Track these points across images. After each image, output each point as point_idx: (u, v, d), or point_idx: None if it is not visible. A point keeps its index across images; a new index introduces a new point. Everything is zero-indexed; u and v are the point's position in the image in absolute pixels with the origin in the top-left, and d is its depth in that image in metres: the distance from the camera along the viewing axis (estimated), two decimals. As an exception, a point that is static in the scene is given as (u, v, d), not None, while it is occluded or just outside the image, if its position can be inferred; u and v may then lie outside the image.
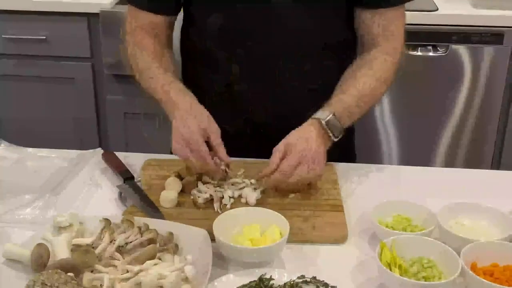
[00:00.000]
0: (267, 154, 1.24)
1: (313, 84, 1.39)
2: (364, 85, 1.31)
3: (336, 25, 1.38)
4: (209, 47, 1.38)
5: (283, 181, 1.21)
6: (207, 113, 1.26)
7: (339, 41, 1.39)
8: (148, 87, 1.34)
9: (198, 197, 1.20)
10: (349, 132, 1.48)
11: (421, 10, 2.31)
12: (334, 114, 1.27)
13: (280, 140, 1.24)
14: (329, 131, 1.25)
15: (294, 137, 1.24)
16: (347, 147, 1.51)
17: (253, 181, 1.25)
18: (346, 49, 1.41)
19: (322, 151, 1.23)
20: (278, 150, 1.22)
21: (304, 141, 1.22)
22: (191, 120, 1.23)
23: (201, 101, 1.29)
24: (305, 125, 1.26)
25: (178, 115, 1.25)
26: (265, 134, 1.32)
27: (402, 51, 1.39)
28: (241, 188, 1.23)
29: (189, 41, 1.43)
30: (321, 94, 1.32)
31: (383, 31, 1.37)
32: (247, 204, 1.20)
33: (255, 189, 1.23)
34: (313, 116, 1.28)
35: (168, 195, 1.19)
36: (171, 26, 1.42)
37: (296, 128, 1.26)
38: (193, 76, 1.44)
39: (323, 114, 1.27)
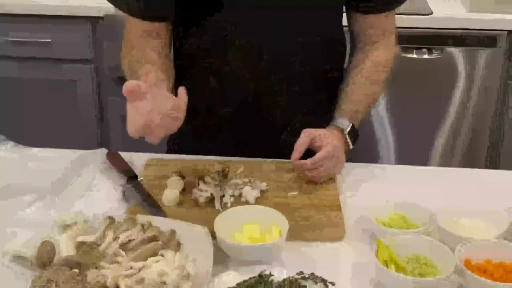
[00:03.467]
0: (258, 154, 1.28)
1: (305, 85, 1.39)
2: (367, 91, 1.38)
3: (332, 27, 1.39)
4: (203, 52, 1.37)
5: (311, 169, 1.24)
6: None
7: (334, 41, 1.41)
8: None
9: (200, 196, 1.20)
10: None
11: (416, 14, 2.32)
12: (354, 124, 1.32)
13: (270, 138, 1.25)
14: (349, 140, 1.31)
15: (324, 131, 1.28)
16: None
17: (252, 179, 1.26)
18: (339, 47, 1.43)
19: (342, 159, 1.29)
20: (308, 134, 1.26)
21: (336, 139, 1.27)
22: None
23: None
24: (330, 129, 1.30)
25: None
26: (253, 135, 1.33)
27: (396, 46, 1.43)
28: (241, 188, 1.24)
29: (184, 45, 1.41)
30: (315, 97, 1.34)
31: (379, 32, 1.39)
32: (247, 202, 1.20)
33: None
34: (334, 124, 1.32)
35: (170, 194, 1.20)
36: (168, 31, 1.39)
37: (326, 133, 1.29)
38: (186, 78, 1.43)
39: (344, 123, 1.32)
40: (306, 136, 1.26)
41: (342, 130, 1.32)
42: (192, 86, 1.35)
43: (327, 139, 1.26)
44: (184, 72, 1.40)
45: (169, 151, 1.48)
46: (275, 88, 1.37)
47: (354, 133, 1.33)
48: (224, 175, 1.25)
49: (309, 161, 1.23)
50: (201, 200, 1.19)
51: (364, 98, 1.38)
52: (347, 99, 1.37)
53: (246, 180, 1.25)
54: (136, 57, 1.32)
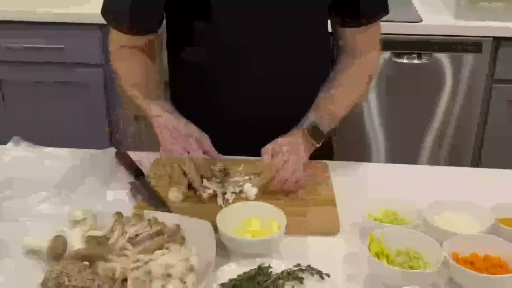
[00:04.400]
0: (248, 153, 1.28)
1: (293, 89, 1.37)
2: (348, 94, 1.37)
3: (316, 29, 1.38)
4: (194, 57, 1.37)
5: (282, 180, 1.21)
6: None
7: (318, 43, 1.40)
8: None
9: (203, 192, 1.19)
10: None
11: (406, 21, 2.32)
12: (315, 123, 1.29)
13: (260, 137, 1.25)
14: (312, 139, 1.28)
15: (283, 140, 1.25)
16: (326, 144, 1.51)
17: (252, 177, 1.25)
18: (324, 50, 1.42)
19: (305, 157, 1.26)
20: (266, 150, 1.23)
21: (292, 146, 1.24)
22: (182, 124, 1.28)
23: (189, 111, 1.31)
24: (292, 132, 1.28)
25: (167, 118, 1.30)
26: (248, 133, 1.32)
27: (381, 52, 1.43)
28: (241, 185, 1.23)
29: (175, 48, 1.42)
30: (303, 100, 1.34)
31: (363, 40, 1.38)
32: (247, 199, 1.19)
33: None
34: (298, 126, 1.30)
35: (175, 191, 1.19)
36: (156, 39, 1.40)
37: (285, 135, 1.27)
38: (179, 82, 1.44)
39: (306, 123, 1.30)
40: (265, 154, 1.24)
41: (303, 130, 1.29)
42: (183, 89, 1.36)
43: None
44: (176, 73, 1.40)
45: None
46: (262, 88, 1.35)
47: (316, 132, 1.30)
48: (225, 173, 1.24)
49: (269, 145, 1.23)
50: (205, 196, 1.19)
51: (344, 101, 1.37)
52: (327, 101, 1.35)
53: (247, 177, 1.25)
54: (125, 74, 1.38)
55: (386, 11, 1.39)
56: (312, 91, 1.37)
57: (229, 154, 1.34)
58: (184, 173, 1.24)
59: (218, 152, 1.32)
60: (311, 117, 1.32)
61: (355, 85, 1.39)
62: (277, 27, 1.31)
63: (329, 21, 1.41)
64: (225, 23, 1.30)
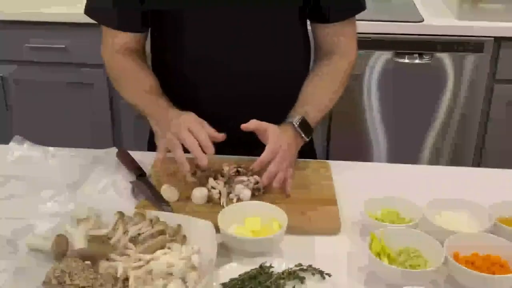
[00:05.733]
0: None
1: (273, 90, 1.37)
2: (324, 94, 1.37)
3: (292, 34, 1.38)
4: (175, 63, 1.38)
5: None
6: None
7: (295, 48, 1.40)
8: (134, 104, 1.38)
9: (210, 190, 1.19)
10: None
11: (408, 21, 2.31)
12: (304, 117, 1.29)
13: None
14: (301, 133, 1.28)
15: (281, 140, 1.23)
16: (307, 147, 1.51)
17: (256, 177, 1.24)
18: (298, 52, 1.42)
19: (295, 154, 1.27)
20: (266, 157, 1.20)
21: (284, 134, 1.24)
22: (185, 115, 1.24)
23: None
24: (282, 127, 1.27)
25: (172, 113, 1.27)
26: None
27: (355, 54, 1.41)
28: (246, 184, 1.22)
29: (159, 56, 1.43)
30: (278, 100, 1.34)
31: (338, 40, 1.39)
32: (241, 200, 1.18)
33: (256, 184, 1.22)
34: (286, 120, 1.30)
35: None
36: (143, 41, 1.41)
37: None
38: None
39: (295, 118, 1.29)
40: (253, 123, 1.22)
41: (292, 124, 1.28)
42: (164, 90, 1.37)
43: (273, 135, 1.22)
44: (158, 76, 1.40)
45: (150, 147, 1.45)
46: (237, 87, 1.34)
47: (305, 126, 1.29)
48: (238, 173, 1.24)
49: (256, 164, 1.19)
50: (215, 196, 1.18)
51: (321, 101, 1.37)
52: (304, 101, 1.35)
53: (251, 178, 1.24)
54: (122, 83, 1.39)
55: (358, 8, 1.39)
56: (287, 90, 1.37)
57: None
58: (194, 173, 1.24)
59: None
60: (298, 111, 1.32)
61: (333, 80, 1.39)
62: (249, 27, 1.31)
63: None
64: (197, 24, 1.32)
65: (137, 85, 1.36)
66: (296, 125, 1.28)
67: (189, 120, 1.22)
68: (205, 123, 1.22)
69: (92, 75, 2.45)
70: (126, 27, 1.35)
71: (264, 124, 1.23)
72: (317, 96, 1.37)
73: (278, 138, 1.21)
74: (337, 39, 1.39)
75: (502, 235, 1.02)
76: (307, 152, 1.41)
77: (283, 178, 1.20)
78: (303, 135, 1.29)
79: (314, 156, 1.53)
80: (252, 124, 1.22)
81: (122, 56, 1.38)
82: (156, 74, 1.40)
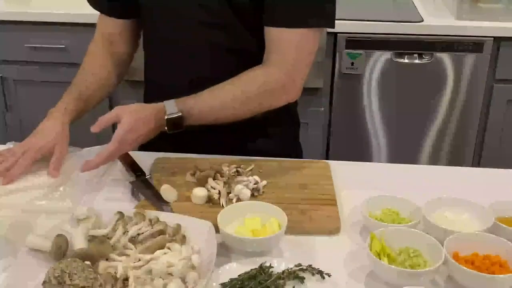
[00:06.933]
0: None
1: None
2: (227, 93, 1.28)
3: (240, 33, 1.32)
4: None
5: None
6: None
7: (242, 48, 1.34)
8: None
9: (210, 190, 1.19)
10: (293, 126, 1.49)
11: (408, 21, 2.31)
12: (182, 114, 1.25)
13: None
14: (165, 126, 1.25)
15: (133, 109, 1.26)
16: (292, 140, 1.49)
17: (256, 177, 1.24)
18: (249, 56, 1.33)
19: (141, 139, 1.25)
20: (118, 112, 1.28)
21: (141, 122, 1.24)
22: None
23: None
24: (152, 105, 1.26)
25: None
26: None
27: (291, 69, 1.28)
28: (245, 184, 1.22)
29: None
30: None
31: (274, 48, 1.28)
32: (241, 200, 1.18)
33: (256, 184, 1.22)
34: (164, 103, 1.25)
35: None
36: (132, 30, 1.47)
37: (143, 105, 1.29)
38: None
39: (172, 109, 1.24)
40: (114, 112, 1.28)
41: (165, 112, 1.24)
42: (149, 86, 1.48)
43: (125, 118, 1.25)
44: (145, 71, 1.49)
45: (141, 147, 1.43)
46: (198, 88, 1.30)
47: (176, 123, 1.24)
48: (237, 173, 1.24)
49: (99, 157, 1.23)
50: (215, 196, 1.18)
51: (219, 105, 1.28)
52: (202, 97, 1.27)
53: (251, 178, 1.24)
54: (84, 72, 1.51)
55: (304, 24, 1.25)
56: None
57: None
58: (193, 173, 1.24)
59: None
60: (180, 105, 1.25)
61: (237, 95, 1.29)
62: (203, 26, 1.31)
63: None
64: (159, 22, 1.37)
65: (82, 70, 1.50)
66: (167, 117, 1.24)
67: (30, 143, 1.30)
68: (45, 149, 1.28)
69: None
70: (104, 9, 1.45)
71: (112, 116, 1.29)
72: (216, 103, 1.28)
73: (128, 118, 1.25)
74: (276, 46, 1.27)
75: (502, 235, 1.02)
76: (289, 147, 1.40)
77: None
78: (166, 128, 1.25)
79: (299, 150, 1.52)
80: (102, 123, 1.29)
81: (96, 42, 1.48)
82: (147, 67, 1.48)
